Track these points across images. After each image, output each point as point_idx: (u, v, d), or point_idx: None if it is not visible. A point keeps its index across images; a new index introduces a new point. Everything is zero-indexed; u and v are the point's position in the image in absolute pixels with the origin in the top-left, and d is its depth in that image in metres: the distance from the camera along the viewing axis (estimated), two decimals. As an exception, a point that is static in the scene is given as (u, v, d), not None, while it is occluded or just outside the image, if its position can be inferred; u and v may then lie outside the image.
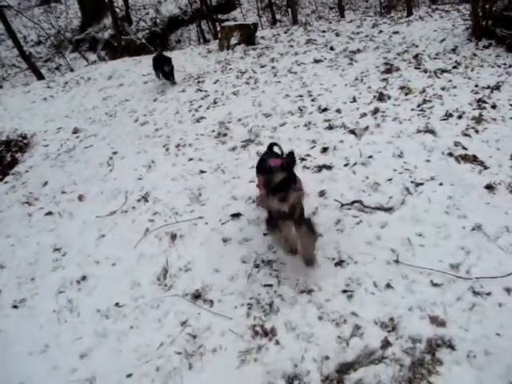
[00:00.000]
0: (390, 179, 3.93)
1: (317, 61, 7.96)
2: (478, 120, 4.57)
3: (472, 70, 6.05)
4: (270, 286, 3.04)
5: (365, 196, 3.78)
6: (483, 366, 2.28)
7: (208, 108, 6.75)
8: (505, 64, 6.10)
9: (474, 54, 6.70)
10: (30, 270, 3.89)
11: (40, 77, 13.05)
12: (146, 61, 10.89)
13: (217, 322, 2.90)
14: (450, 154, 4.08)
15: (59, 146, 6.73)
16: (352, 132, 4.89)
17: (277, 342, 2.66)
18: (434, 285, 2.80)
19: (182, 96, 7.53)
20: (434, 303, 2.68)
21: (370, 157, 4.31)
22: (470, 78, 5.77)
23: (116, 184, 4.98)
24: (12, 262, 4.06)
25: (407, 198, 3.65)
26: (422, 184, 3.78)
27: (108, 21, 16.74)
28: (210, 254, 3.52)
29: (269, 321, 2.82)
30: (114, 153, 5.87)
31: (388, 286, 2.86)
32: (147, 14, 18.25)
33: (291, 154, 2.71)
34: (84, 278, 3.62)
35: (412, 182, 3.83)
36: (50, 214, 4.72)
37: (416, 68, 6.57)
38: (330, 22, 11.94)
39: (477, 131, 4.39)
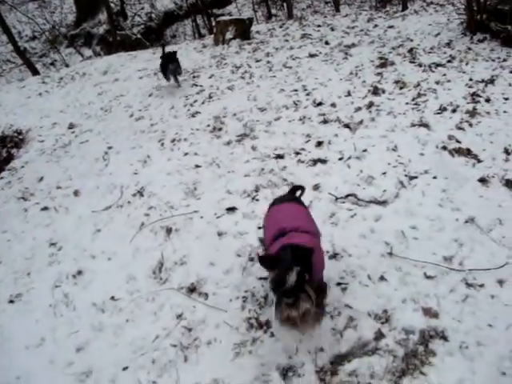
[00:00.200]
0: (384, 173, 3.96)
1: (312, 55, 7.94)
2: (472, 113, 4.59)
3: (466, 64, 6.08)
4: (265, 279, 3.05)
5: (359, 189, 3.81)
6: (475, 357, 2.31)
7: (203, 103, 6.74)
8: (499, 58, 6.12)
9: (469, 48, 6.72)
10: (26, 265, 3.89)
11: (35, 72, 12.94)
12: (142, 56, 10.84)
13: (212, 314, 2.92)
14: (444, 148, 4.10)
15: (55, 142, 6.70)
16: (347, 126, 4.90)
17: (271, 335, 2.68)
18: (428, 277, 2.83)
19: (177, 91, 7.51)
20: (427, 295, 2.71)
21: (365, 150, 4.33)
22: (464, 72, 5.80)
23: (111, 179, 4.97)
24: (8, 257, 4.05)
25: (401, 192, 3.67)
26: (415, 177, 3.81)
27: (103, 16, 16.59)
28: (205, 248, 3.53)
29: (263, 313, 2.83)
30: (110, 148, 5.85)
31: (382, 278, 2.89)
32: (142, 8, 18.09)
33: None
34: (80, 272, 3.63)
35: (406, 175, 3.86)
36: (45, 209, 4.72)
37: (411, 62, 6.58)
38: (325, 17, 11.89)
39: (471, 125, 4.42)
